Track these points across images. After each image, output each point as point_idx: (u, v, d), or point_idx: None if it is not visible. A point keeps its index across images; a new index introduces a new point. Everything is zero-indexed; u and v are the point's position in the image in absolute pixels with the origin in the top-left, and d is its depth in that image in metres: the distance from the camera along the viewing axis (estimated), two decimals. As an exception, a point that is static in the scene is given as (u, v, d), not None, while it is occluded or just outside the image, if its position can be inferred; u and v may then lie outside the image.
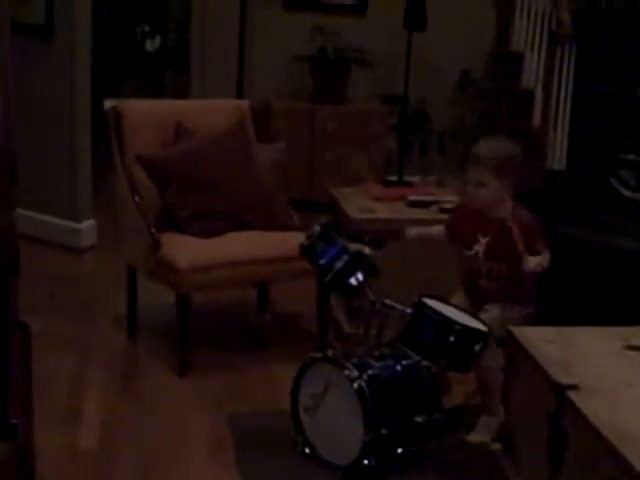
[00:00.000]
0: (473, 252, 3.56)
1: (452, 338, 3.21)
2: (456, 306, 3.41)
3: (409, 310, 3.31)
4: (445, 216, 4.42)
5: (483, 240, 3.54)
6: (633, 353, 2.99)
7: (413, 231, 3.78)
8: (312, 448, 3.34)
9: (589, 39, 5.85)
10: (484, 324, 3.32)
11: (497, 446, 3.36)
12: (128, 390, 3.93)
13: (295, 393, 3.37)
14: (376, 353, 3.35)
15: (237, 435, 3.51)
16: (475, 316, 3.37)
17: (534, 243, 3.41)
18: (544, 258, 3.41)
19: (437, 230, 3.78)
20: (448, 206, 4.52)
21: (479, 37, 6.79)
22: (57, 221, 5.59)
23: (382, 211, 4.51)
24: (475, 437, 3.49)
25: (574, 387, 2.70)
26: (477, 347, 3.25)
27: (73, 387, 3.88)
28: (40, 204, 5.54)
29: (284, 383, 3.49)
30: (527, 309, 3.55)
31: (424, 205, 4.59)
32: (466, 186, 3.54)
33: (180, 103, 4.94)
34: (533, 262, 3.35)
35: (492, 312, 3.47)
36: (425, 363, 3.34)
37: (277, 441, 3.44)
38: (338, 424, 3.25)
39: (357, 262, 3.41)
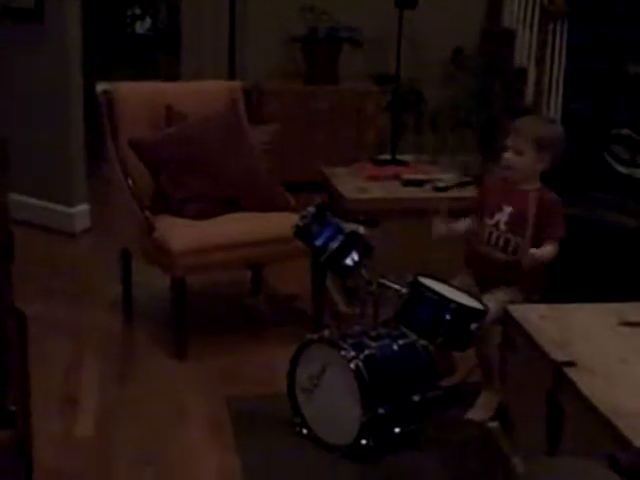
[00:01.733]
0: (494, 221, 3.56)
1: (448, 317, 3.21)
2: (452, 285, 3.41)
3: (405, 289, 3.31)
4: (441, 194, 4.45)
5: (507, 209, 3.54)
6: (628, 329, 3.00)
7: (441, 229, 3.65)
8: (310, 429, 3.35)
9: (581, 15, 5.83)
10: (481, 303, 3.32)
11: (495, 424, 3.36)
12: (125, 375, 3.93)
13: (292, 374, 3.37)
14: (372, 333, 3.35)
15: (235, 418, 3.52)
16: (472, 295, 3.37)
17: (548, 228, 3.44)
18: (547, 251, 3.42)
19: (466, 225, 3.73)
20: (442, 184, 4.51)
21: (471, 14, 6.79)
22: (50, 205, 5.58)
23: (376, 190, 4.51)
24: (473, 415, 3.50)
25: (571, 364, 2.71)
26: (473, 326, 3.25)
27: (70, 372, 3.89)
28: (33, 189, 5.52)
29: (281, 365, 3.49)
30: (533, 296, 3.55)
31: (418, 184, 4.58)
32: (503, 152, 3.55)
33: (172, 85, 4.92)
34: (533, 254, 3.37)
35: (498, 294, 3.48)
36: (422, 342, 3.35)
37: (275, 423, 3.44)
38: (335, 405, 3.26)
39: (352, 242, 3.41)
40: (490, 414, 3.45)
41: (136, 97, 4.33)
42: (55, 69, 5.40)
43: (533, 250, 3.39)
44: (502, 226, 3.54)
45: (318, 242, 3.42)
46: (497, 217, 3.56)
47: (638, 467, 2.27)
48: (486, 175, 3.78)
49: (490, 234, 3.57)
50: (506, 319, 3.20)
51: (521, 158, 3.51)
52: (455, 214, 3.69)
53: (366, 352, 3.22)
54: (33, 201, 5.55)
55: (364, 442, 3.19)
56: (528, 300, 3.51)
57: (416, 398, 3.27)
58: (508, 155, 3.53)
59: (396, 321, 3.36)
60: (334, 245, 3.39)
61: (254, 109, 4.75)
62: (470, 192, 4.33)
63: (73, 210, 5.59)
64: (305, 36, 6.50)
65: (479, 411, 3.51)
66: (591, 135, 5.01)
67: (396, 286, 3.35)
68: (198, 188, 4.11)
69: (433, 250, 3.95)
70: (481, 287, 3.57)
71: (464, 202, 3.99)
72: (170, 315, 4.09)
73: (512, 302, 3.39)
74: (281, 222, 3.94)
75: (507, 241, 3.53)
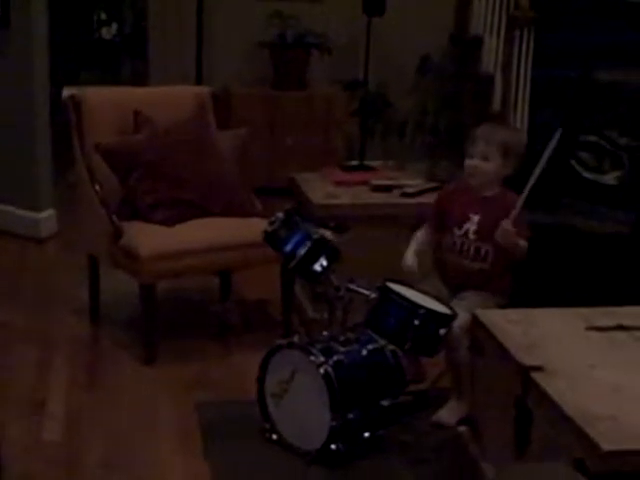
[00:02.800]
0: (463, 230, 3.58)
1: (417, 322, 3.22)
2: (420, 290, 3.42)
3: (373, 295, 3.32)
4: (408, 200, 4.46)
5: (475, 217, 3.56)
6: (596, 334, 3.02)
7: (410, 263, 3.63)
8: (279, 435, 3.35)
9: (548, 22, 5.86)
10: (449, 307, 3.33)
11: (464, 429, 3.37)
12: (92, 381, 3.90)
13: (261, 380, 3.37)
14: (341, 338, 3.36)
15: (204, 424, 3.50)
16: (440, 300, 3.38)
17: (518, 227, 3.45)
18: (522, 244, 3.45)
19: (426, 237, 3.72)
20: (410, 190, 4.53)
21: (439, 21, 6.80)
22: (17, 211, 5.54)
23: (345, 196, 4.51)
24: (440, 417, 3.51)
25: (539, 369, 2.72)
26: (442, 331, 3.27)
27: (37, 378, 3.85)
28: (-1, 194, 5.49)
29: (250, 370, 3.48)
30: (502, 300, 3.57)
31: (387, 189, 4.59)
32: (465, 162, 3.56)
33: (139, 90, 4.90)
34: (508, 225, 3.39)
35: (469, 298, 3.49)
36: (390, 347, 3.35)
37: (244, 429, 3.43)
38: (305, 410, 3.25)
39: (321, 248, 3.41)
40: (457, 419, 3.46)
41: (103, 102, 4.31)
42: (21, 74, 5.36)
43: (508, 224, 3.39)
44: (471, 235, 3.56)
45: (287, 248, 3.42)
46: (466, 226, 3.57)
47: (605, 471, 2.28)
48: (446, 186, 3.78)
49: (462, 244, 3.58)
50: (474, 324, 3.22)
51: (488, 164, 3.53)
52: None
53: (335, 357, 3.22)
54: (-1, 206, 5.52)
55: (334, 447, 3.19)
56: (497, 304, 3.53)
57: (385, 403, 3.28)
58: (474, 162, 3.54)
59: (365, 326, 3.37)
60: (303, 251, 3.39)
61: (222, 114, 4.73)
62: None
63: (39, 215, 5.55)
64: (273, 41, 6.50)
65: (446, 414, 3.51)
66: (559, 142, 5.03)
67: (365, 291, 3.35)
68: (166, 193, 4.09)
69: (402, 255, 3.96)
70: (450, 290, 3.59)
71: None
72: (138, 321, 4.07)
73: (482, 306, 3.42)
74: (250, 227, 3.94)
75: (477, 249, 3.55)
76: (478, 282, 3.54)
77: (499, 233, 3.42)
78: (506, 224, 3.40)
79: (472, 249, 3.56)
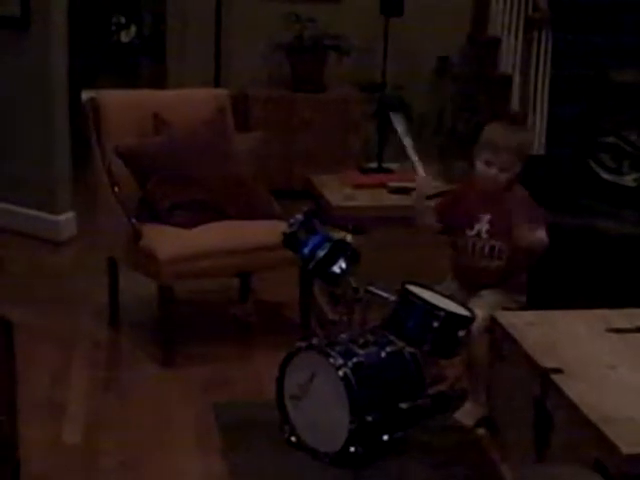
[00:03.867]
0: (475, 231, 3.57)
1: (436, 324, 3.21)
2: (440, 292, 3.42)
3: (392, 297, 3.31)
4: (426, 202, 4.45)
5: (486, 217, 3.55)
6: (616, 335, 3.01)
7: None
8: (298, 436, 3.34)
9: (565, 23, 5.85)
10: (468, 310, 3.33)
11: (482, 431, 3.37)
12: (111, 382, 3.91)
13: (280, 382, 3.36)
14: (360, 340, 3.35)
15: (223, 425, 3.51)
16: (459, 302, 3.38)
17: (534, 217, 3.45)
18: (541, 235, 3.42)
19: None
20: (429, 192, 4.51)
21: (456, 22, 6.80)
22: (36, 213, 5.55)
23: (363, 198, 4.51)
24: (457, 420, 3.50)
25: (558, 371, 2.72)
26: (461, 333, 3.26)
27: (56, 380, 3.86)
28: (19, 197, 5.50)
29: (269, 372, 3.48)
30: (521, 299, 3.56)
31: (405, 191, 4.58)
32: (481, 167, 3.54)
33: (158, 93, 4.91)
34: (529, 235, 3.38)
35: (488, 297, 3.48)
36: (409, 349, 3.35)
37: (263, 430, 3.43)
38: (324, 412, 3.25)
39: (340, 250, 3.41)
40: (474, 420, 3.45)
41: (122, 105, 4.32)
42: (41, 77, 5.38)
43: (525, 229, 3.38)
44: (484, 234, 3.56)
45: (306, 250, 3.42)
46: (477, 227, 3.57)
47: (625, 473, 2.28)
48: (455, 189, 3.76)
49: (474, 244, 3.58)
50: (493, 326, 3.21)
51: (506, 174, 3.51)
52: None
53: (354, 359, 3.21)
54: (19, 209, 5.53)
55: (352, 449, 3.18)
56: (515, 302, 3.52)
57: (404, 405, 3.27)
58: (493, 172, 3.51)
59: (384, 328, 3.36)
60: (322, 253, 3.39)
61: (240, 116, 4.74)
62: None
63: (59, 218, 5.57)
64: (291, 44, 6.51)
65: (463, 416, 3.50)
66: (577, 143, 5.03)
67: (384, 293, 3.35)
68: (185, 196, 4.10)
69: (420, 257, 3.96)
70: (467, 292, 3.58)
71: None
72: (157, 322, 4.08)
73: (500, 304, 3.41)
74: (268, 230, 3.94)
75: (492, 247, 3.55)
76: (495, 281, 3.53)
77: (516, 237, 3.41)
78: (518, 229, 3.39)
79: (487, 248, 3.55)
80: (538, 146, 5.54)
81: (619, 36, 6.03)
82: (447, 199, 3.80)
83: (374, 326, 3.42)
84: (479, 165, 3.55)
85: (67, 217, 5.62)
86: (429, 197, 4.44)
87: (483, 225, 3.56)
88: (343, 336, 3.38)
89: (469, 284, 3.60)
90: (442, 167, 5.88)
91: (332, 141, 6.48)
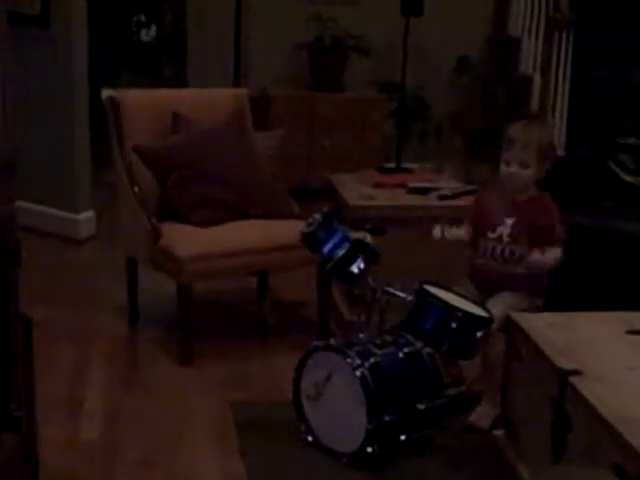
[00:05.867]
0: (497, 234, 3.56)
1: (454, 325, 3.20)
2: (457, 293, 3.41)
3: (410, 297, 3.31)
4: (445, 203, 4.45)
5: (509, 221, 3.54)
6: (635, 338, 2.99)
7: (437, 233, 3.65)
8: (315, 436, 3.35)
9: (586, 24, 5.83)
10: (486, 311, 3.32)
11: (500, 432, 3.36)
12: (130, 380, 3.93)
13: (297, 381, 3.37)
14: (378, 341, 3.35)
15: (240, 424, 3.51)
16: (477, 303, 3.37)
17: (551, 232, 3.46)
18: (553, 255, 3.43)
19: (465, 230, 3.69)
20: (447, 193, 4.52)
21: (476, 22, 6.80)
22: (56, 212, 5.58)
23: (382, 198, 4.51)
24: (473, 422, 3.49)
25: (577, 372, 2.71)
26: (479, 334, 3.25)
27: (75, 378, 3.88)
28: (39, 195, 5.53)
29: (286, 371, 3.48)
30: (538, 301, 3.55)
31: (424, 192, 4.58)
32: (502, 168, 3.54)
33: (178, 92, 4.93)
34: (537, 259, 3.39)
35: (505, 298, 3.47)
36: (427, 350, 3.34)
37: (280, 429, 3.44)
38: (341, 412, 3.25)
39: (358, 250, 3.41)
40: (490, 422, 3.45)
41: (142, 104, 4.33)
42: (61, 76, 5.40)
43: (537, 255, 3.39)
44: (505, 238, 3.54)
45: (324, 250, 3.42)
46: (500, 230, 3.55)
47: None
48: (480, 189, 3.73)
49: (494, 248, 3.56)
50: (511, 327, 3.20)
51: (525, 171, 3.50)
52: (456, 222, 3.70)
53: (372, 360, 3.21)
54: (39, 208, 5.56)
55: (369, 449, 3.18)
56: (533, 304, 3.51)
57: (421, 406, 3.27)
58: (512, 169, 3.51)
59: (402, 329, 3.36)
60: (340, 253, 3.39)
61: (260, 116, 4.75)
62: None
63: (78, 217, 5.59)
64: (311, 44, 6.52)
65: (479, 418, 3.49)
66: (597, 144, 5.01)
67: (402, 294, 3.34)
68: (204, 195, 4.11)
69: (438, 257, 3.95)
70: (484, 295, 3.56)
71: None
72: (176, 321, 4.09)
73: (517, 306, 3.40)
74: (287, 229, 3.95)
75: (512, 252, 3.53)
76: (513, 285, 3.52)
77: (527, 264, 3.41)
78: (535, 255, 3.39)
79: (507, 252, 3.54)
80: (558, 147, 5.52)
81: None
82: (482, 195, 3.79)
83: (392, 326, 3.42)
84: (501, 167, 3.54)
85: (87, 216, 5.64)
86: (449, 197, 4.45)
87: (505, 229, 3.54)
88: (361, 336, 3.39)
89: (485, 286, 3.59)
90: (463, 168, 5.88)
91: (351, 141, 6.48)
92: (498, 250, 3.55)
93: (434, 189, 4.59)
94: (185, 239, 3.97)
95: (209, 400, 3.72)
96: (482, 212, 3.65)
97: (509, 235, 3.53)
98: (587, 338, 2.98)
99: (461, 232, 3.67)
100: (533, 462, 2.97)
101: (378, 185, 4.67)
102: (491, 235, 3.57)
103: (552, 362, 2.79)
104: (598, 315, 3.18)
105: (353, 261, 3.39)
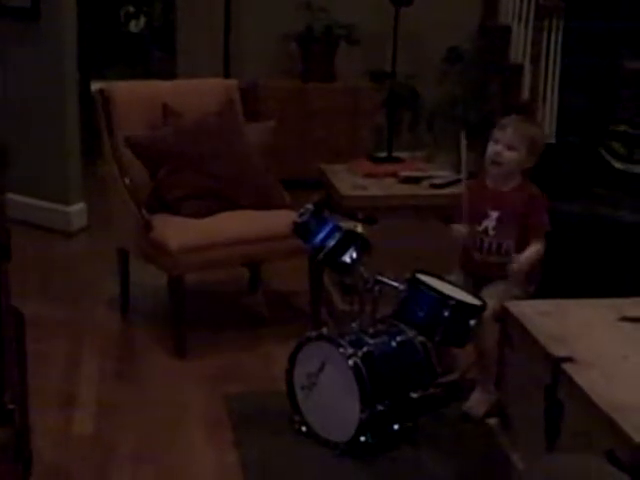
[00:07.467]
0: (483, 227, 3.56)
1: (447, 313, 3.20)
2: (450, 282, 3.41)
3: (403, 286, 3.31)
4: (436, 191, 4.44)
5: (493, 214, 3.54)
6: (628, 325, 2.99)
7: (461, 229, 3.58)
8: (309, 426, 3.35)
9: (577, 11, 5.83)
10: (479, 299, 3.32)
11: (493, 421, 3.36)
12: (123, 373, 3.92)
13: (290, 372, 3.37)
14: (371, 330, 3.35)
15: (234, 415, 3.51)
16: (470, 292, 3.37)
17: (534, 224, 3.47)
18: (535, 251, 3.45)
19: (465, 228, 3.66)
20: (439, 181, 4.51)
21: (467, 11, 6.78)
22: (47, 204, 5.57)
23: (374, 187, 4.50)
24: (467, 410, 3.49)
25: (569, 360, 2.70)
26: (472, 322, 3.25)
27: (67, 371, 3.88)
28: (29, 188, 5.51)
29: (279, 362, 3.49)
30: (530, 288, 3.55)
31: (416, 181, 4.57)
32: (492, 143, 3.55)
33: (168, 84, 4.90)
34: (521, 259, 3.40)
35: (497, 287, 3.48)
36: (420, 338, 3.34)
37: (274, 420, 3.44)
38: (334, 402, 3.25)
39: (350, 239, 3.40)
40: (484, 410, 3.45)
41: (132, 95, 4.32)
42: (51, 67, 5.38)
43: (519, 257, 3.41)
44: (491, 232, 3.54)
45: (316, 240, 3.41)
46: (485, 223, 3.55)
47: (638, 463, 2.27)
48: (467, 183, 3.73)
49: (481, 240, 3.57)
50: (504, 315, 3.20)
51: (512, 153, 3.51)
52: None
53: (364, 349, 3.22)
54: (29, 200, 5.54)
55: (363, 439, 3.19)
56: (525, 292, 3.51)
57: (415, 395, 3.27)
58: (499, 148, 3.53)
59: (394, 318, 3.36)
60: (332, 243, 3.38)
61: (250, 106, 4.73)
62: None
63: (69, 209, 5.58)
64: (301, 33, 6.50)
65: (473, 406, 3.50)
66: (588, 131, 5.02)
67: (394, 283, 3.34)
68: (195, 186, 4.10)
69: (430, 247, 3.95)
70: (475, 283, 3.57)
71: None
72: (168, 313, 4.08)
73: (510, 295, 3.40)
74: (278, 220, 3.94)
75: (499, 245, 3.54)
76: (503, 275, 3.51)
77: (511, 271, 3.42)
78: (517, 262, 3.40)
79: (494, 245, 3.54)
80: (549, 134, 5.52)
81: (630, 24, 6.00)
82: (466, 193, 3.78)
83: (384, 315, 3.41)
84: (489, 145, 3.56)
85: (78, 208, 5.63)
86: (439, 186, 4.45)
87: (490, 222, 3.54)
88: (353, 326, 3.39)
89: (476, 276, 3.59)
90: (453, 156, 5.87)
91: (342, 130, 6.48)
92: (486, 243, 3.55)
93: (426, 178, 4.58)
94: (176, 231, 3.96)
95: (203, 392, 3.72)
96: (469, 205, 3.64)
97: (494, 228, 3.53)
98: (579, 325, 2.98)
99: (463, 229, 3.67)
100: (527, 449, 2.97)
101: (369, 175, 4.66)
102: (477, 228, 3.57)
103: (545, 349, 2.79)
104: (591, 302, 3.17)
105: (345, 251, 3.39)
